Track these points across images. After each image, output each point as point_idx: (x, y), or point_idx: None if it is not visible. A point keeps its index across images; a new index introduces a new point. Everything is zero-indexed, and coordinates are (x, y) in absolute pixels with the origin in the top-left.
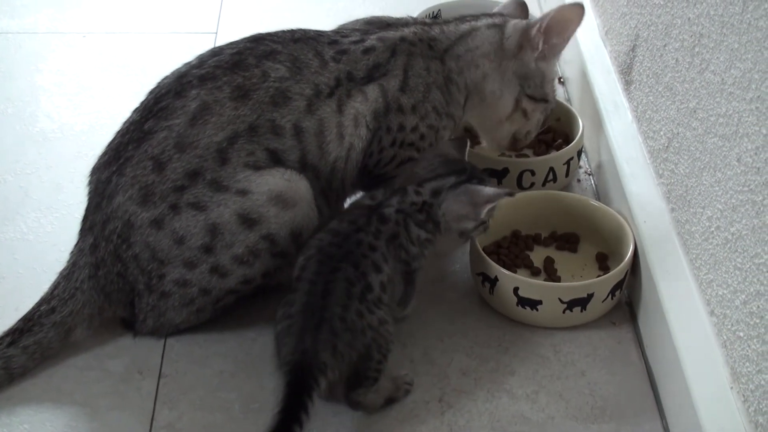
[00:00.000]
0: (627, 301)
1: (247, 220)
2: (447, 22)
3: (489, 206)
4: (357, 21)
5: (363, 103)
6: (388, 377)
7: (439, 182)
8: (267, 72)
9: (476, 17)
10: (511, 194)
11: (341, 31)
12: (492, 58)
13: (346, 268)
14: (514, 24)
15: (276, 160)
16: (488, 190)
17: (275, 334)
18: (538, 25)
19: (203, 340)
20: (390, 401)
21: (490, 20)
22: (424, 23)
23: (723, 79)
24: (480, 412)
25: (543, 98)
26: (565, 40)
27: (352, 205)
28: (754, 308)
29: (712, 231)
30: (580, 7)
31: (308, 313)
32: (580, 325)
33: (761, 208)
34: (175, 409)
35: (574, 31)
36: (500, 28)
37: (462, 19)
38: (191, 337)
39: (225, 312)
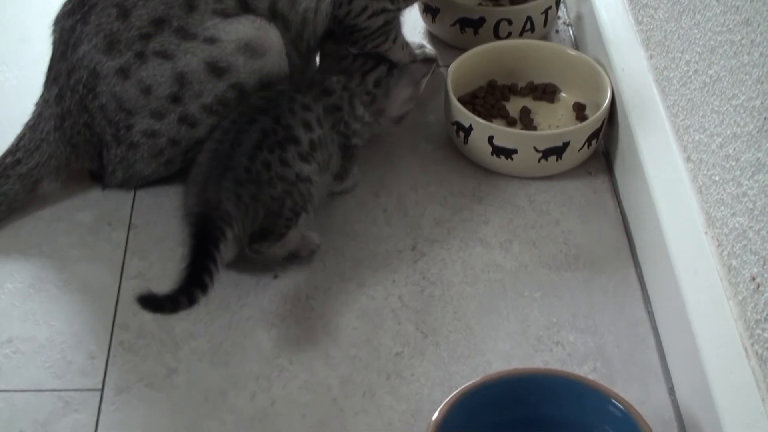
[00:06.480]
0: (603, 151)
1: (216, 69)
2: None
3: (425, 79)
4: None
5: None
6: (298, 232)
7: (377, 72)
8: None
9: None
10: (437, 62)
11: None
12: None
13: (265, 120)
14: None
15: (245, 7)
16: (418, 65)
17: None
18: None
19: (173, 192)
20: (292, 256)
21: None
22: None
23: None
24: (453, 261)
25: None
26: None
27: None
28: (731, 151)
29: (690, 75)
30: None
31: (215, 161)
32: (556, 174)
33: (739, 48)
34: (145, 259)
35: None
36: None
37: None
38: (161, 189)
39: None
